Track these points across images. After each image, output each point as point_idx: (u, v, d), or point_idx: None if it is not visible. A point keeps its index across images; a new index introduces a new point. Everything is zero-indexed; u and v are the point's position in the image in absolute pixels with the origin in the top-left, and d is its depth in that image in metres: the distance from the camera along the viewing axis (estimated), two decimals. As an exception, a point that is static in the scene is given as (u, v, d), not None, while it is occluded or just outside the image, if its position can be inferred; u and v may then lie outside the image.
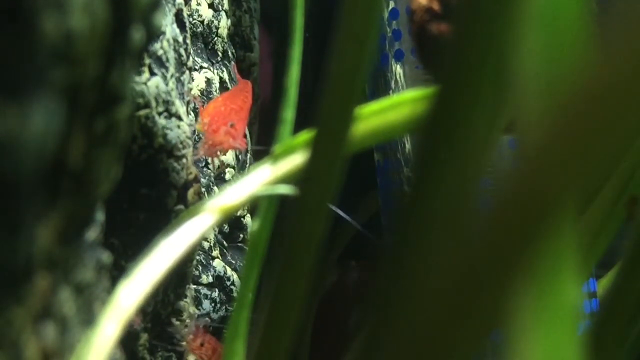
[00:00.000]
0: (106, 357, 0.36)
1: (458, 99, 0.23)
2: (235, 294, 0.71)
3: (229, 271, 0.72)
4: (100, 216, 0.42)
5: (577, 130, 0.18)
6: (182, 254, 0.42)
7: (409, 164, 0.71)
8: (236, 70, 0.73)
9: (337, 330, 0.93)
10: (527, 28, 0.22)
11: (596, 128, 0.18)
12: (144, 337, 0.60)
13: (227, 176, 0.73)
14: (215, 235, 0.72)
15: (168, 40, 0.59)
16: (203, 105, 0.65)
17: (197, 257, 0.69)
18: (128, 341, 0.58)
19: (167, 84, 0.58)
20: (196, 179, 0.62)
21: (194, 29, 0.72)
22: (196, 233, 0.43)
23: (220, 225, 0.73)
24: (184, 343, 0.63)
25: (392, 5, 0.71)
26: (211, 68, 0.73)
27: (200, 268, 0.70)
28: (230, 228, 0.75)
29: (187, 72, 0.65)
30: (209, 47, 0.74)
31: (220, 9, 0.75)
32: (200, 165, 0.69)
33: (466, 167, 0.22)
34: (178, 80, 0.61)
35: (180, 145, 0.59)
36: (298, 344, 0.90)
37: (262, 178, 0.44)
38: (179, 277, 0.63)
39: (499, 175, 0.19)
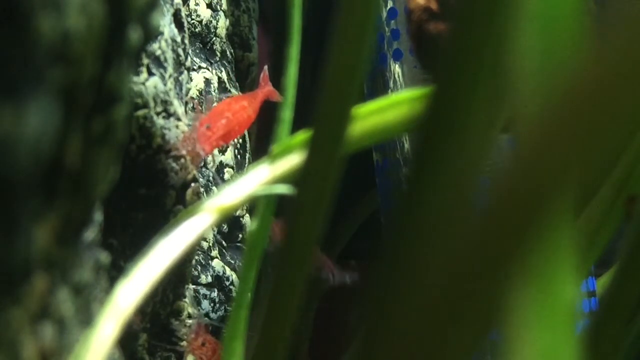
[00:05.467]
0: (104, 357, 0.36)
1: (455, 97, 0.23)
2: (234, 294, 0.71)
3: (228, 271, 0.72)
4: (98, 216, 0.42)
5: (574, 127, 0.18)
6: (181, 253, 0.42)
7: (408, 163, 0.71)
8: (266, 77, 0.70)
9: (337, 330, 0.93)
10: (524, 26, 0.22)
11: (593, 125, 0.18)
12: (143, 337, 0.60)
13: (226, 176, 0.73)
14: (214, 235, 0.72)
15: (166, 40, 0.59)
16: (201, 107, 0.65)
17: (196, 257, 0.69)
18: (127, 341, 0.58)
19: (165, 84, 0.58)
20: (195, 179, 0.62)
21: (192, 29, 0.72)
22: (194, 233, 0.43)
23: (219, 225, 0.73)
24: (183, 343, 0.63)
25: (390, 4, 0.71)
26: (210, 68, 0.73)
27: (199, 268, 0.70)
28: (229, 228, 0.75)
29: (186, 72, 0.65)
30: (208, 47, 0.74)
31: (219, 9, 0.75)
32: (199, 165, 0.69)
33: (463, 166, 0.22)
34: (176, 80, 0.61)
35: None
36: (298, 344, 0.90)
37: (260, 178, 0.44)
38: (178, 277, 0.63)
39: (496, 173, 0.19)
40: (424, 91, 0.41)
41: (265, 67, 0.71)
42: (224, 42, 0.76)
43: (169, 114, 0.59)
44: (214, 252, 0.71)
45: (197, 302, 0.68)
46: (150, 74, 0.57)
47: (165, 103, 0.58)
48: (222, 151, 0.73)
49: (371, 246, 0.90)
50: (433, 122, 0.23)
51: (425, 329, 0.21)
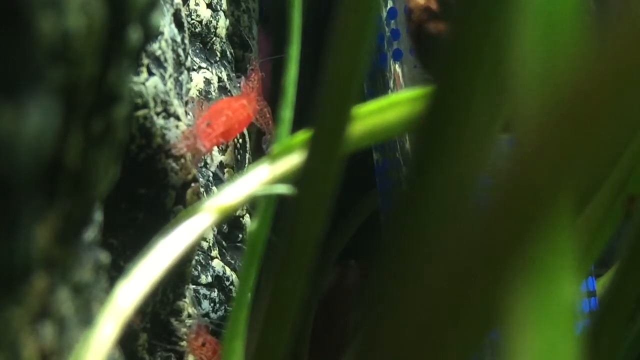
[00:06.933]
0: (104, 357, 0.36)
1: (455, 97, 0.23)
2: (234, 294, 0.71)
3: (228, 271, 0.72)
4: (98, 216, 0.42)
5: (574, 127, 0.18)
6: (181, 253, 0.42)
7: (407, 163, 0.71)
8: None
9: (337, 330, 0.93)
10: (524, 25, 0.22)
11: (593, 125, 0.18)
12: (143, 337, 0.60)
13: (226, 176, 0.73)
14: (214, 235, 0.72)
15: (166, 40, 0.59)
16: (201, 107, 0.65)
17: (196, 257, 0.69)
18: (127, 341, 0.58)
19: (165, 84, 0.58)
20: (195, 179, 0.62)
21: (193, 29, 0.72)
22: (194, 233, 0.43)
23: (219, 225, 0.73)
24: (183, 343, 0.63)
25: (390, 4, 0.71)
26: (210, 68, 0.73)
27: (199, 268, 0.70)
28: (230, 228, 0.75)
29: (186, 72, 0.65)
30: (208, 47, 0.74)
31: (219, 9, 0.75)
32: (200, 164, 0.69)
33: (463, 166, 0.22)
34: (176, 80, 0.61)
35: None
36: (297, 344, 0.90)
37: (260, 178, 0.44)
38: (178, 277, 0.63)
39: (496, 173, 0.19)
40: (424, 91, 0.41)
41: (243, 77, 0.72)
42: (224, 42, 0.76)
43: (169, 114, 0.59)
44: (214, 252, 0.71)
45: (197, 302, 0.68)
46: (150, 74, 0.57)
47: (165, 103, 0.58)
48: (223, 151, 0.73)
49: (371, 246, 0.90)
50: (433, 122, 0.23)
51: (425, 329, 0.21)
